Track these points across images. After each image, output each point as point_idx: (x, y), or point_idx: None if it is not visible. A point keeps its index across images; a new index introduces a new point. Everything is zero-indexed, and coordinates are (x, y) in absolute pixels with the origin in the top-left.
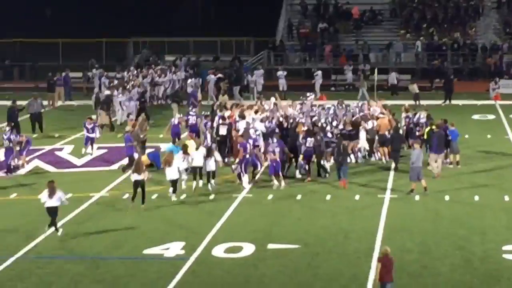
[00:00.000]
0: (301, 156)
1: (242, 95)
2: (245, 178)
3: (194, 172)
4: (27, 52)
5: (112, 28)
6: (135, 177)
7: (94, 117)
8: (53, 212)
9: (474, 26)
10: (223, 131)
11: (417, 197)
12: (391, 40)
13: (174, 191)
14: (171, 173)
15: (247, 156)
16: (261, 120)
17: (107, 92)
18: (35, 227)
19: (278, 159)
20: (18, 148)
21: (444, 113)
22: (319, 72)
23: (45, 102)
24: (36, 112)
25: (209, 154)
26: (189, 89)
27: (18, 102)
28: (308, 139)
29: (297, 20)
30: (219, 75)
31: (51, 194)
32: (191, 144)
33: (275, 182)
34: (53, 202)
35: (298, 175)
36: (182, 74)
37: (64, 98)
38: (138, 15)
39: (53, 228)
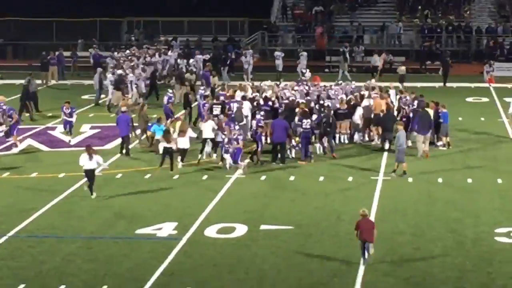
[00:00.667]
0: (296, 138)
1: (229, 76)
2: (227, 157)
3: (203, 143)
4: (20, 31)
5: (106, 8)
6: (164, 144)
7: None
8: (91, 175)
9: (468, 9)
10: (216, 111)
11: (410, 179)
12: (385, 22)
13: (182, 159)
14: (183, 142)
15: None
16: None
17: (119, 71)
18: (27, 206)
19: (241, 147)
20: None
21: (438, 95)
22: (304, 53)
23: (38, 81)
24: (32, 91)
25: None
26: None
27: (13, 81)
28: (304, 120)
29: (292, 1)
30: (206, 56)
31: (90, 158)
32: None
33: (242, 164)
34: (91, 165)
35: (292, 156)
36: (175, 54)
37: (57, 77)
38: None
39: (49, 205)
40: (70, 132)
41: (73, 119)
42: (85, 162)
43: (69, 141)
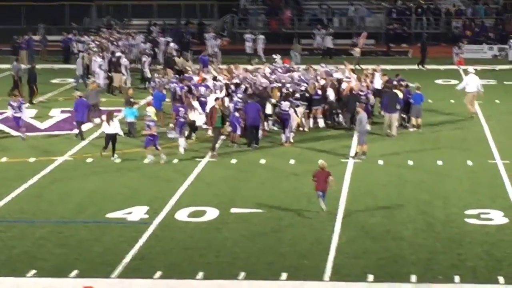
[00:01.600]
0: (274, 117)
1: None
2: (182, 141)
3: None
4: None
5: None
6: (106, 128)
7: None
8: (111, 139)
9: None
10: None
11: (380, 162)
12: (355, 5)
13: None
14: (194, 116)
15: (181, 119)
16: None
17: (118, 54)
18: None
19: (155, 133)
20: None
21: (408, 77)
22: (262, 36)
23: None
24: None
25: None
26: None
27: None
28: (283, 102)
29: None
30: (168, 38)
31: (109, 123)
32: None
33: (150, 156)
34: (111, 130)
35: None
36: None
37: (26, 61)
38: None
39: (19, 190)
40: (21, 128)
41: (22, 114)
42: (105, 127)
43: (24, 137)
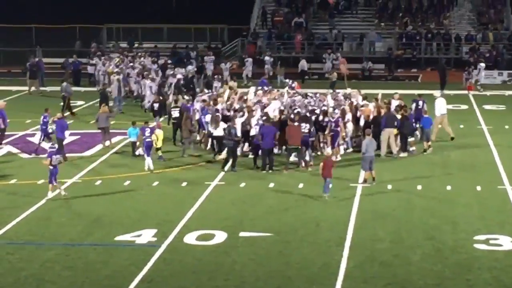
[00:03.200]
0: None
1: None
2: (148, 160)
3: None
4: (0, 37)
5: (85, 14)
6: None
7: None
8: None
9: (448, 17)
10: (175, 114)
11: (389, 186)
12: (365, 30)
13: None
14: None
15: (147, 140)
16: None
17: (179, 75)
18: (6, 213)
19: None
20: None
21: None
22: (250, 59)
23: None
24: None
25: None
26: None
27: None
28: (303, 124)
29: (272, 8)
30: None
31: (216, 126)
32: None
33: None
34: (218, 132)
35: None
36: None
37: (38, 84)
38: (112, 1)
39: (28, 212)
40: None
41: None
42: (213, 131)
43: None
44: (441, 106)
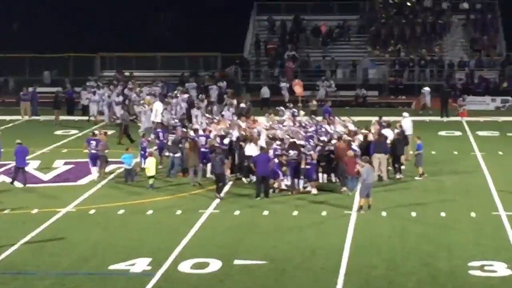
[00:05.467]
0: (283, 168)
1: None
2: (93, 170)
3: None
4: None
5: (79, 43)
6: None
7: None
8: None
9: (441, 43)
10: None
11: (383, 213)
12: (358, 56)
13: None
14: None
15: (92, 151)
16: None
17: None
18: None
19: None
20: None
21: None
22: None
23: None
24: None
25: None
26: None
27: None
28: (291, 151)
29: (265, 36)
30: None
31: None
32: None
33: None
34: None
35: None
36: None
37: (30, 113)
38: (105, 30)
39: (22, 241)
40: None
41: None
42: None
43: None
44: (407, 127)
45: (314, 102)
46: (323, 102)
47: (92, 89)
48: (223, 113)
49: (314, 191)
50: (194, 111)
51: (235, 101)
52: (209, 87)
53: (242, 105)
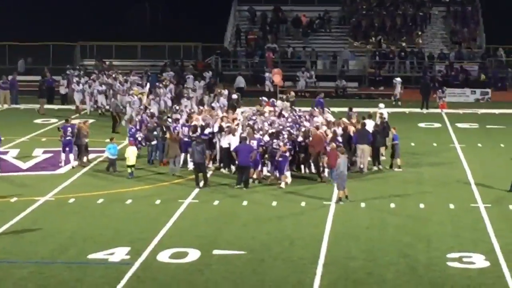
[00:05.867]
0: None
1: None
2: (62, 156)
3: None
4: None
5: (59, 32)
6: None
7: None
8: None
9: (420, 35)
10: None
11: (362, 204)
12: (339, 48)
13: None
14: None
15: (67, 138)
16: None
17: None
18: None
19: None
20: None
21: (391, 120)
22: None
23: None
24: None
25: None
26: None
27: None
28: (275, 140)
29: (246, 26)
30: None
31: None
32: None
33: None
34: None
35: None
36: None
37: (10, 101)
38: (86, 19)
39: (1, 230)
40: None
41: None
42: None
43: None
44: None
45: (293, 93)
46: (304, 93)
47: (75, 78)
48: (212, 104)
49: (282, 185)
50: (184, 101)
51: (226, 91)
52: (186, 77)
53: (234, 96)
